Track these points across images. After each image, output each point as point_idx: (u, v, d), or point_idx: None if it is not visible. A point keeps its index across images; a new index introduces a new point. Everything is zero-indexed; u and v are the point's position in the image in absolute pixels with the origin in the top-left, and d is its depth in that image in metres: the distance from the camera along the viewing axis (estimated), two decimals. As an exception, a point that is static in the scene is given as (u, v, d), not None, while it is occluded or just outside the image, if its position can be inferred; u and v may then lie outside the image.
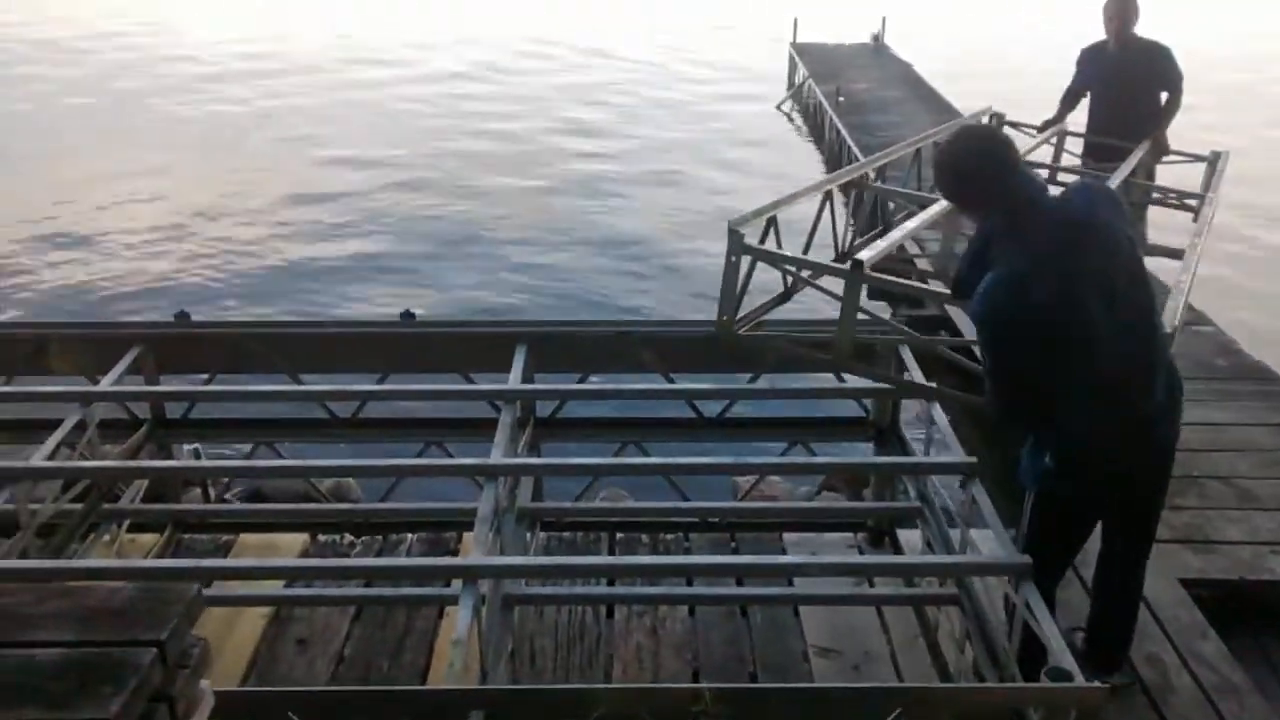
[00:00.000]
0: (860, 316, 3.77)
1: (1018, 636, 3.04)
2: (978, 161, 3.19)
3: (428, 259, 11.98)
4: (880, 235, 4.89)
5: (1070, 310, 3.07)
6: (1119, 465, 3.36)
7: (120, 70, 23.37)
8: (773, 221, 4.22)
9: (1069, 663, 2.72)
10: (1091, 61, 6.88)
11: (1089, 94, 6.92)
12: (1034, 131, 6.76)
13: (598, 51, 25.49)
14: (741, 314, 3.94)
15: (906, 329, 4.25)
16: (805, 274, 4.08)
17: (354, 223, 13.22)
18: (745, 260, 3.82)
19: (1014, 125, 6.84)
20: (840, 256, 4.97)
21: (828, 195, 4.88)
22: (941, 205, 4.71)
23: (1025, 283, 3.06)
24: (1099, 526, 3.63)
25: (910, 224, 4.35)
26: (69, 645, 1.67)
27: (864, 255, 3.62)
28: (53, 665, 1.63)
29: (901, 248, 5.90)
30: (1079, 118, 6.98)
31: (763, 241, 4.13)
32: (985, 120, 7.19)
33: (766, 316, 4.20)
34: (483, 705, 2.63)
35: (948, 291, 3.76)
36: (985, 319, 3.14)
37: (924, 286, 4.61)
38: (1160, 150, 6.59)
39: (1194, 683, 3.91)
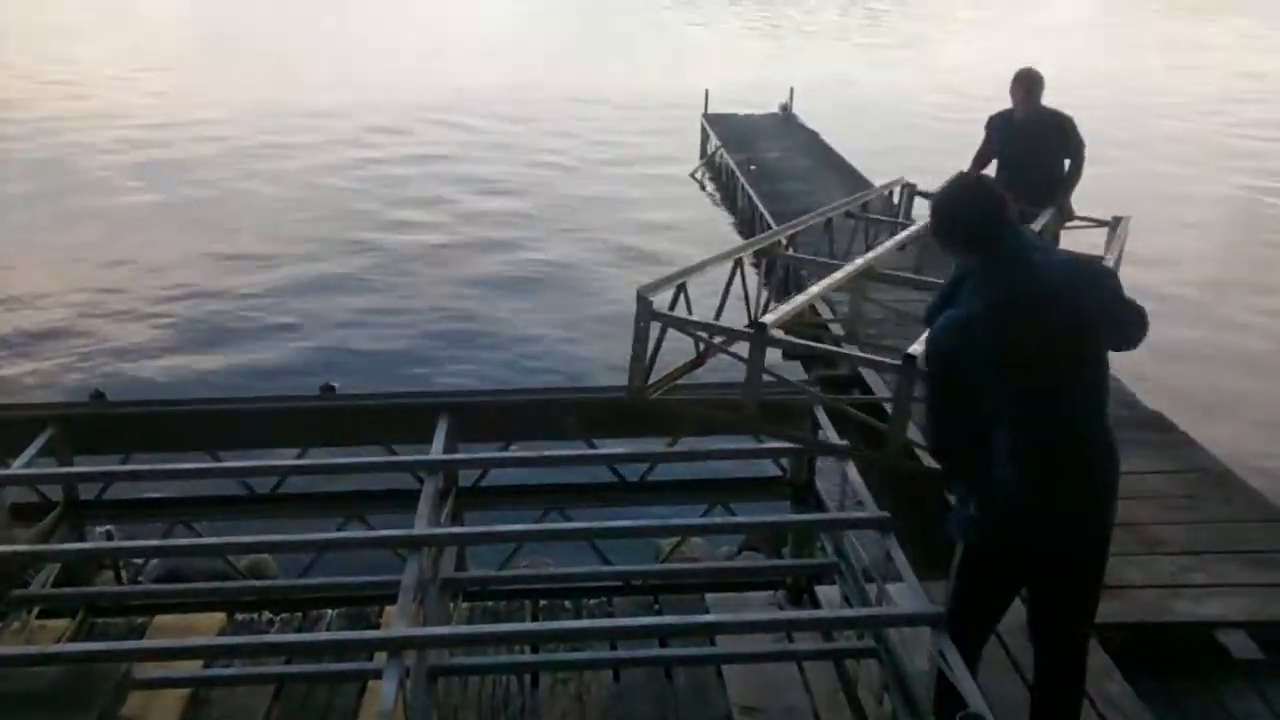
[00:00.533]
0: (769, 379, 3.87)
1: (932, 686, 3.13)
2: (970, 212, 3.31)
3: (344, 330, 11.91)
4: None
5: (1005, 361, 3.17)
6: (1050, 540, 3.36)
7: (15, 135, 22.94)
8: (682, 288, 4.30)
9: (983, 708, 2.81)
10: (999, 129, 7.18)
11: (995, 160, 7.21)
12: None
13: (507, 118, 25.73)
14: (656, 379, 4.02)
15: (816, 391, 4.37)
16: (716, 339, 4.17)
17: (267, 296, 13.09)
18: (656, 326, 3.91)
19: (924, 195, 7.07)
20: (752, 322, 5.08)
21: (738, 263, 4.99)
22: (848, 270, 4.87)
23: (970, 328, 3.19)
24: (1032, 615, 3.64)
25: (815, 288, 4.47)
26: (-7, 730, 1.67)
27: (768, 318, 3.72)
28: (-21, 752, 1.63)
29: (814, 311, 6.08)
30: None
31: (673, 307, 4.22)
32: (898, 190, 7.47)
33: (681, 381, 4.29)
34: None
35: (858, 353, 3.89)
36: (930, 352, 3.30)
37: (828, 347, 4.74)
38: (1065, 216, 6.87)
39: (1102, 722, 4.04)
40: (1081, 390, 3.29)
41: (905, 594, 3.65)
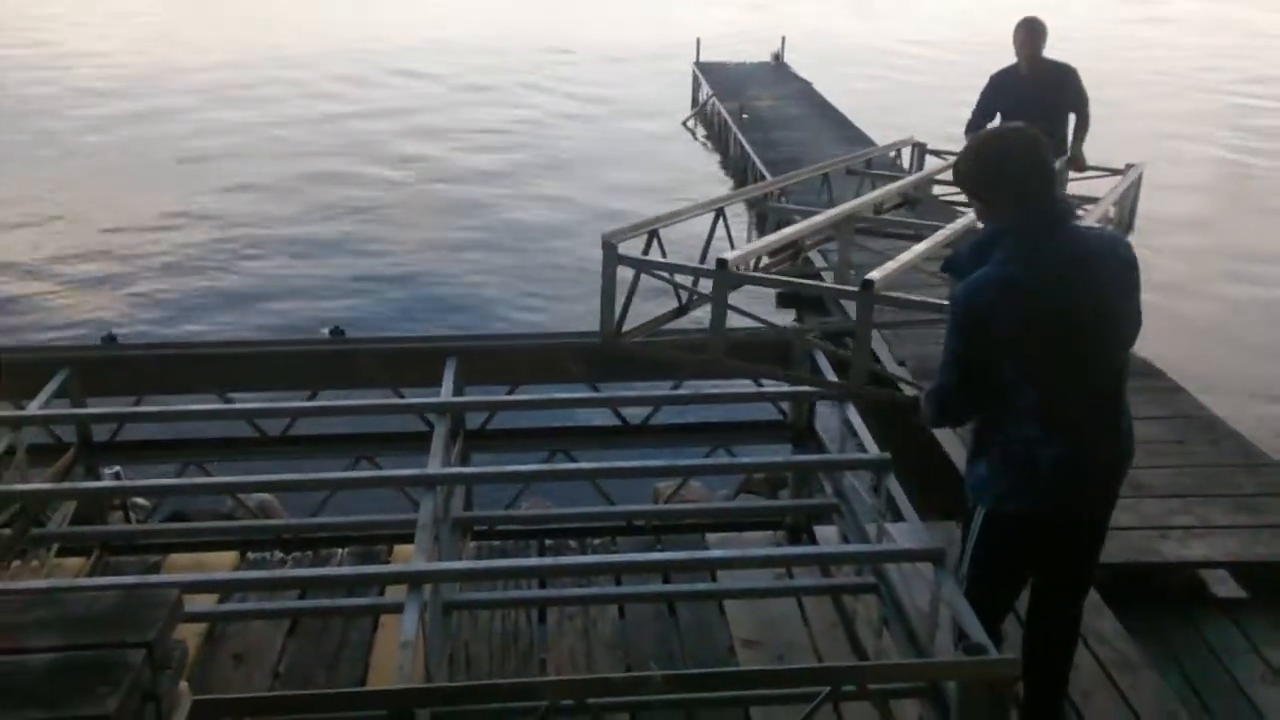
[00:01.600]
0: (747, 322, 3.93)
1: (935, 619, 3.24)
2: (1018, 164, 3.21)
3: (352, 276, 11.99)
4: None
5: (1044, 328, 3.10)
6: (1048, 503, 3.33)
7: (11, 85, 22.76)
8: (655, 235, 4.30)
9: (983, 638, 2.93)
10: (1003, 85, 7.00)
11: (1000, 116, 6.94)
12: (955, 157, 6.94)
13: (500, 69, 25.56)
14: (637, 325, 4.07)
15: (789, 326, 4.41)
16: (678, 278, 4.17)
17: (276, 242, 13.17)
18: (631, 273, 3.92)
19: (935, 153, 7.04)
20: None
21: (719, 212, 4.90)
22: (831, 214, 4.86)
23: (1015, 286, 3.08)
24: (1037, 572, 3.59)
25: (788, 230, 4.51)
26: (60, 649, 1.75)
27: (730, 255, 3.71)
28: (46, 668, 1.70)
29: (808, 260, 6.15)
30: None
31: (645, 254, 4.22)
32: (908, 151, 7.27)
33: (668, 326, 4.34)
34: (436, 702, 2.75)
35: (835, 286, 3.85)
36: (958, 309, 3.16)
37: (793, 279, 4.71)
38: (1079, 166, 6.82)
39: (1093, 659, 4.18)
40: (1114, 360, 3.31)
41: (905, 532, 3.75)
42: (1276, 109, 22.65)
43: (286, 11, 34.30)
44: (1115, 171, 6.52)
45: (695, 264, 4.23)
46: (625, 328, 4.12)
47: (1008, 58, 7.01)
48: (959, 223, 4.59)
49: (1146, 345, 7.73)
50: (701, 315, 4.24)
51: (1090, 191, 6.38)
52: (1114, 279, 3.24)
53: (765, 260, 4.80)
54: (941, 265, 3.54)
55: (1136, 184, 6.18)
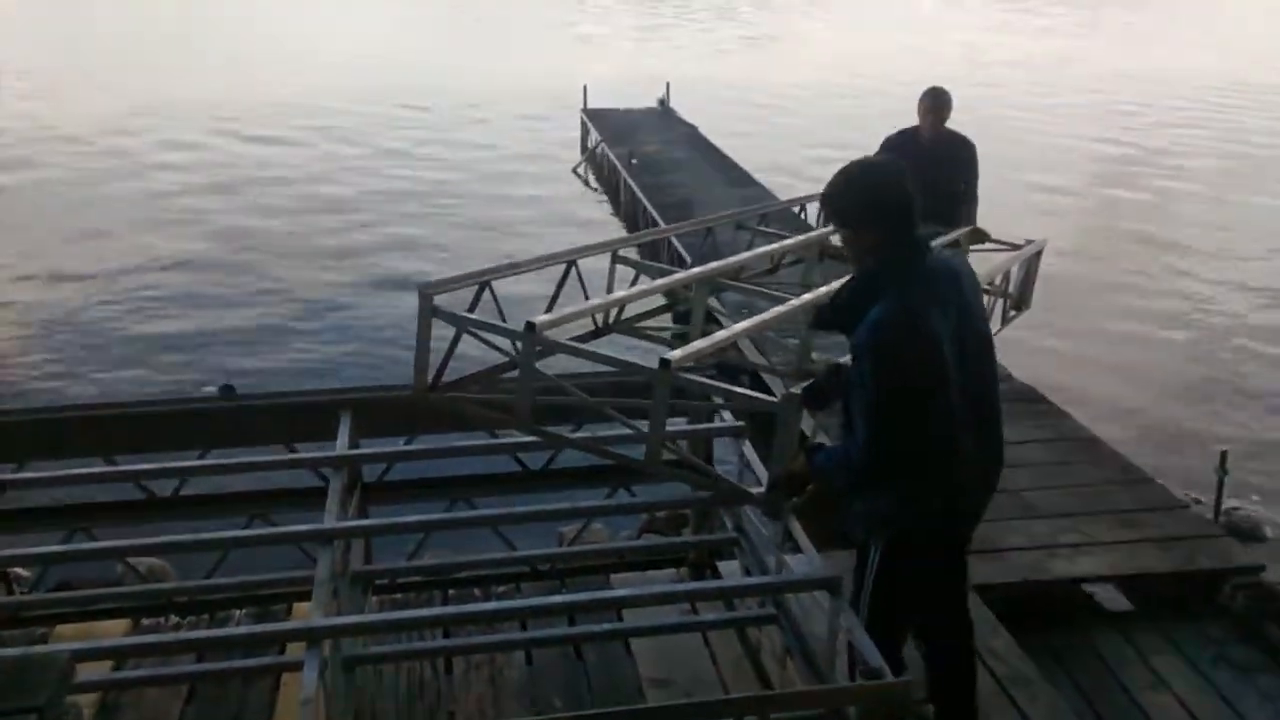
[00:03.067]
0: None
1: (834, 646, 3.30)
2: (896, 193, 3.26)
3: (238, 333, 11.76)
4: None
5: (946, 351, 3.17)
6: (954, 506, 3.45)
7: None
8: (486, 286, 4.07)
9: (879, 662, 3.00)
10: (901, 148, 6.91)
11: None
12: None
13: (384, 118, 25.46)
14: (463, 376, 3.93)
15: (586, 397, 3.90)
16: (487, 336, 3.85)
17: (161, 300, 12.87)
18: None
19: None
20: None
21: (570, 264, 4.54)
22: (680, 276, 4.61)
23: (920, 315, 3.12)
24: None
25: (611, 296, 4.32)
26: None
27: (541, 319, 3.53)
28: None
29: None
30: None
31: (473, 307, 3.99)
32: (815, 207, 7.08)
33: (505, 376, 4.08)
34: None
35: (637, 363, 3.52)
36: (876, 346, 3.12)
37: (591, 349, 3.86)
38: (980, 239, 6.45)
39: (990, 676, 4.30)
40: (992, 370, 3.45)
41: (803, 563, 3.83)
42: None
43: (151, 65, 33.63)
44: (1015, 246, 6.25)
45: (512, 324, 3.75)
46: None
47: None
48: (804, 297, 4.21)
49: (1029, 372, 8.06)
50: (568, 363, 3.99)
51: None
52: (975, 293, 3.42)
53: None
54: (812, 321, 3.58)
55: (1036, 259, 6.03)
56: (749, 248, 5.47)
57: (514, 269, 4.21)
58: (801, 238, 5.49)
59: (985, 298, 5.38)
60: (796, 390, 3.17)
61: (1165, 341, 11.80)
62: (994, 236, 6.31)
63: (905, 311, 3.13)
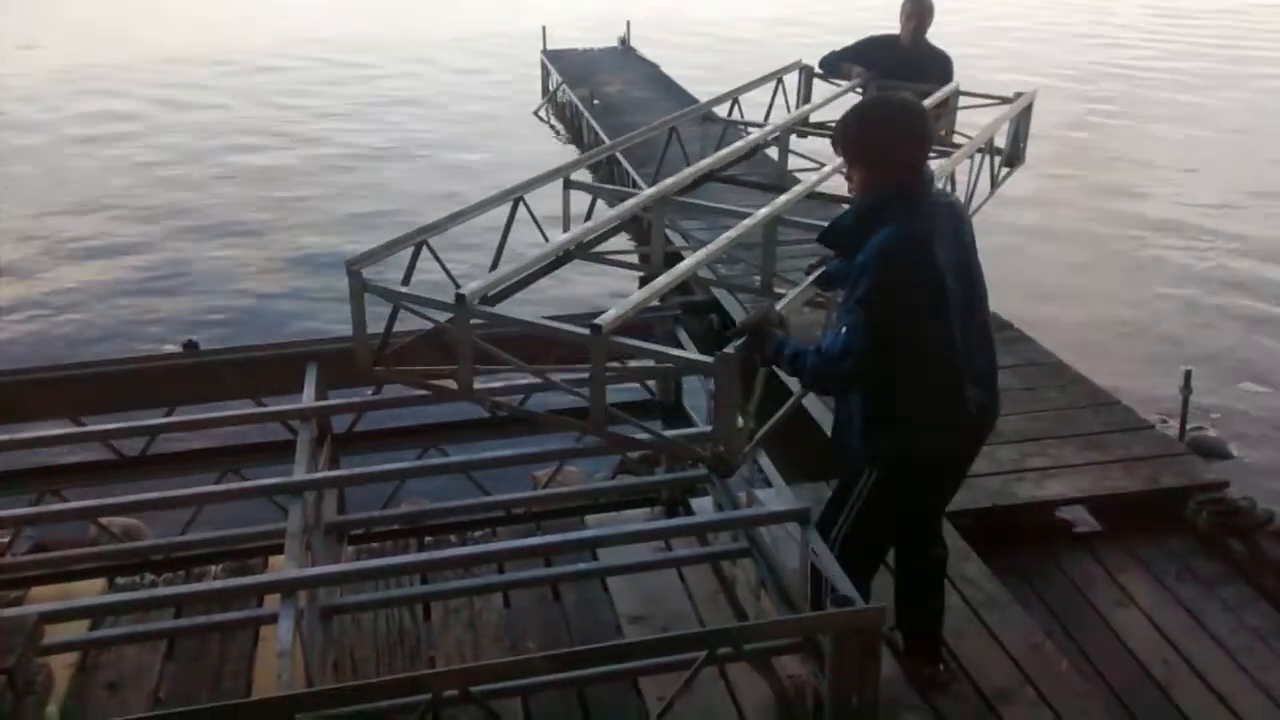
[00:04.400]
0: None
1: (806, 576, 3.35)
2: (914, 131, 3.31)
3: (202, 289, 11.64)
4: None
5: (950, 281, 3.23)
6: (957, 451, 3.57)
7: None
8: (421, 247, 3.92)
9: (850, 590, 3.05)
10: (883, 45, 6.87)
11: (871, 82, 6.74)
12: (840, 84, 6.75)
13: (345, 63, 25.07)
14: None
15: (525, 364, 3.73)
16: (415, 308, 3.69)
17: (119, 258, 12.68)
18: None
19: (823, 77, 6.91)
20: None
21: (517, 203, 4.43)
22: (643, 196, 4.47)
23: (928, 244, 3.19)
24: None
25: (560, 240, 4.15)
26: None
27: (469, 289, 3.40)
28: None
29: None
30: None
31: (409, 272, 3.89)
32: (794, 78, 6.92)
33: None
34: (317, 706, 2.71)
35: (568, 327, 3.37)
36: (883, 264, 3.15)
37: (530, 319, 3.56)
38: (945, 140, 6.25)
39: (962, 600, 4.38)
40: (987, 305, 3.52)
41: (773, 497, 3.88)
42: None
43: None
44: (1004, 100, 6.17)
45: (462, 278, 3.66)
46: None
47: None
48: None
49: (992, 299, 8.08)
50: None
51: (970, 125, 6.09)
52: (971, 233, 3.47)
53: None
54: (820, 236, 3.56)
55: (1026, 113, 5.97)
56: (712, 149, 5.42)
57: (454, 219, 4.08)
58: (759, 132, 5.56)
59: (976, 156, 5.51)
60: (730, 350, 3.09)
61: (1127, 265, 11.87)
62: (976, 91, 6.31)
63: (913, 236, 3.19)
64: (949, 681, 3.94)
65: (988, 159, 5.83)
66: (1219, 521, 5.18)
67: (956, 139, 6.00)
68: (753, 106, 6.70)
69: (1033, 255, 11.66)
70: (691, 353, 3.84)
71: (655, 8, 29.95)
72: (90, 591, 4.54)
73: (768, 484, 3.95)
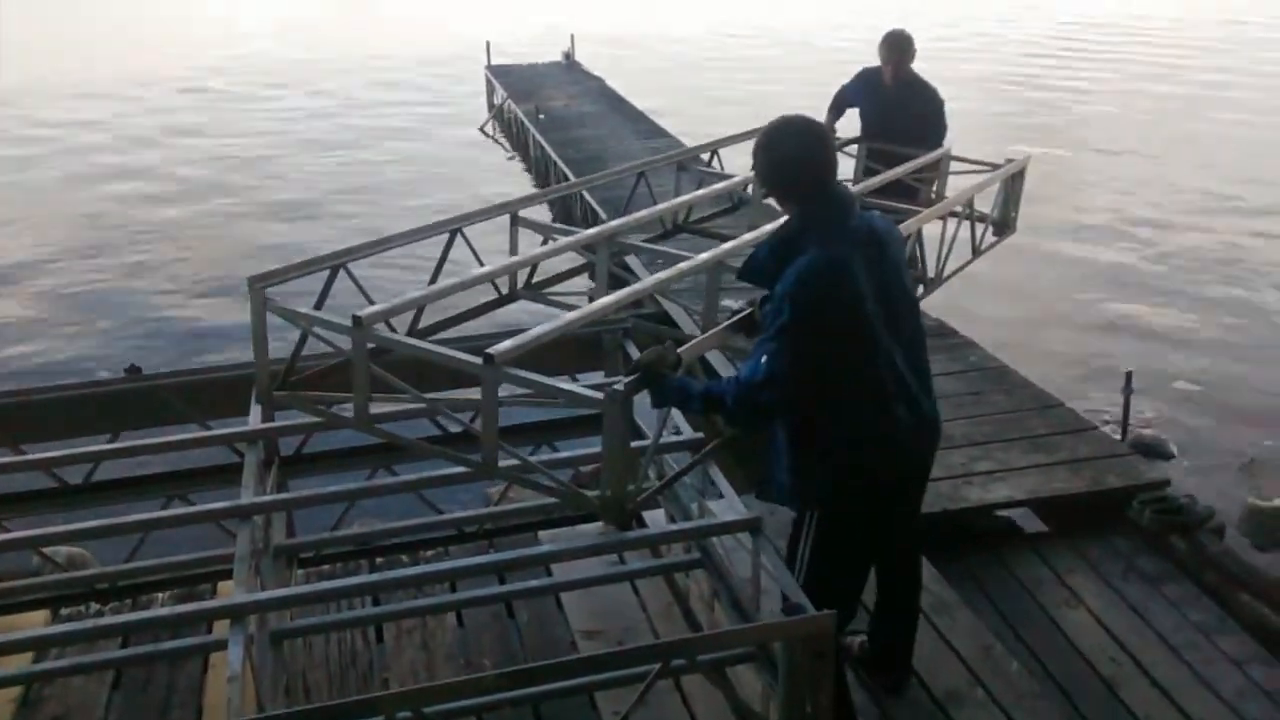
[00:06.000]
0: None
1: (759, 585, 3.36)
2: (815, 152, 3.28)
3: (140, 313, 11.49)
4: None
5: (870, 305, 3.20)
6: (895, 473, 3.50)
7: None
8: (340, 269, 3.88)
9: (801, 598, 3.06)
10: (865, 88, 6.88)
11: (861, 118, 6.85)
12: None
13: (284, 85, 24.91)
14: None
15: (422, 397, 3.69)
16: (316, 329, 3.67)
17: (56, 284, 12.49)
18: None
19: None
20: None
21: (454, 234, 4.41)
22: (592, 233, 4.47)
23: (846, 268, 3.15)
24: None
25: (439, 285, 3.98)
26: None
27: (366, 312, 3.37)
28: None
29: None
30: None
31: (323, 296, 3.85)
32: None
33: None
34: (267, 733, 2.69)
35: (462, 356, 3.27)
36: (799, 295, 3.11)
37: (427, 345, 3.53)
38: (926, 200, 5.90)
39: (910, 603, 4.41)
40: (918, 325, 3.48)
41: (725, 507, 3.89)
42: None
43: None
44: (992, 166, 5.84)
45: (340, 317, 3.49)
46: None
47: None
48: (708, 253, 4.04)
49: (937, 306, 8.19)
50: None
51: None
52: (899, 254, 3.45)
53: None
54: (739, 273, 3.53)
55: (1018, 179, 5.78)
56: (684, 191, 5.37)
57: (378, 245, 4.02)
58: (728, 182, 5.35)
59: (962, 223, 5.43)
60: (620, 386, 3.02)
61: (1068, 268, 12.07)
62: (969, 158, 6.04)
63: (828, 263, 3.15)
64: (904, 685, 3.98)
65: (967, 224, 5.61)
66: (1161, 520, 5.27)
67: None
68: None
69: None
70: (580, 388, 3.64)
71: (599, 24, 30.09)
72: (34, 623, 4.44)
73: (719, 495, 3.96)
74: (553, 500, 5.69)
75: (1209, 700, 4.23)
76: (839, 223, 3.26)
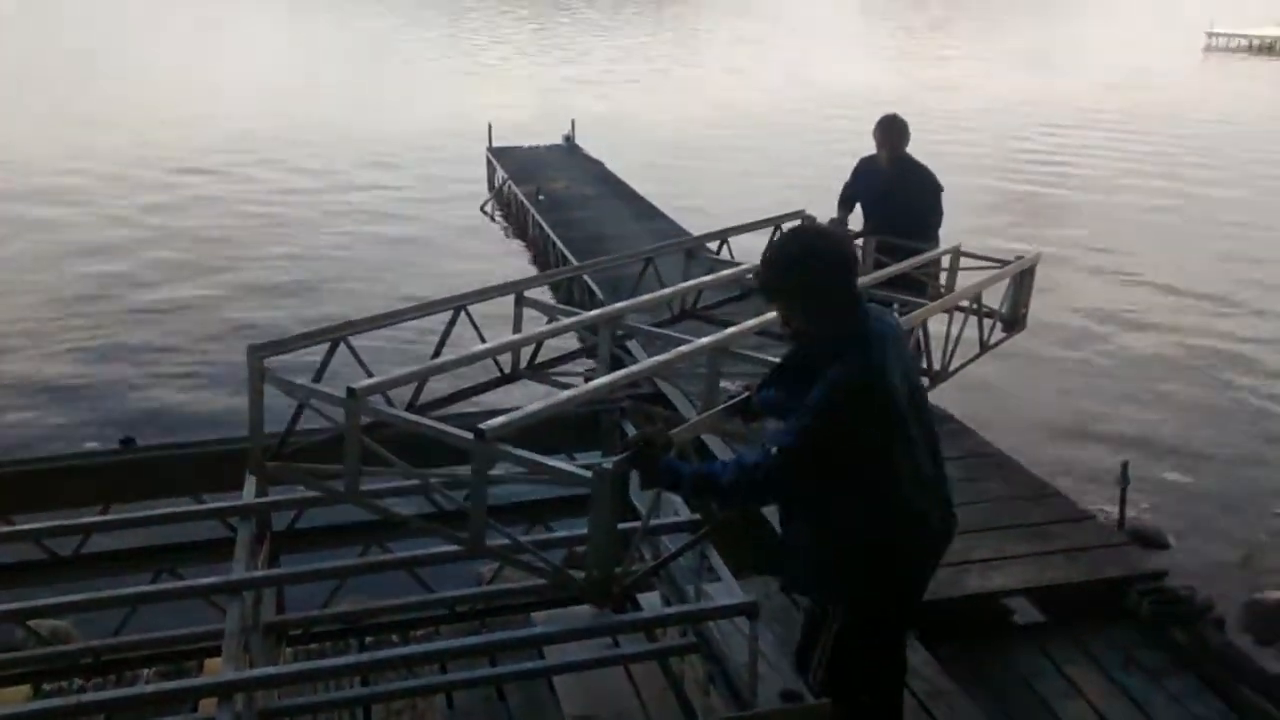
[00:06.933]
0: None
1: (755, 671, 3.31)
2: (848, 269, 3.20)
3: (135, 382, 11.46)
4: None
5: (901, 416, 3.20)
6: (925, 555, 3.49)
7: None
8: (340, 343, 3.90)
9: (797, 685, 3.03)
10: (864, 174, 7.00)
11: (860, 205, 6.97)
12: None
13: (284, 162, 25.17)
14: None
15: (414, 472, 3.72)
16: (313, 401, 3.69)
17: (49, 350, 12.48)
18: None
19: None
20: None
21: (458, 311, 4.46)
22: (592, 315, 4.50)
23: (884, 375, 3.13)
24: None
25: (436, 360, 4.10)
26: None
27: (360, 385, 3.44)
28: None
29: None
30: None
31: (322, 368, 3.90)
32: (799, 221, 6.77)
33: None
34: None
35: (454, 430, 3.30)
36: (831, 413, 3.07)
37: (428, 422, 3.58)
38: (932, 294, 5.94)
39: (910, 692, 4.34)
40: (930, 431, 3.43)
41: (722, 591, 3.85)
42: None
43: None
44: (1002, 262, 5.85)
45: (336, 390, 3.52)
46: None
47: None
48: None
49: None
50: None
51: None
52: (908, 349, 3.51)
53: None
54: (749, 399, 3.55)
55: (1028, 276, 5.75)
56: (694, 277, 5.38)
57: (382, 319, 4.05)
58: (735, 270, 5.40)
59: (970, 318, 5.47)
60: (608, 465, 3.02)
61: (1057, 354, 12.11)
62: (979, 253, 6.07)
63: (867, 370, 3.11)
64: None
65: (975, 319, 5.62)
66: (1161, 611, 5.22)
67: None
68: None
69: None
70: (570, 465, 3.51)
71: (600, 108, 30.57)
72: (14, 699, 4.36)
73: (716, 578, 3.92)
74: (542, 581, 5.68)
75: (1211, 797, 4.16)
76: (864, 335, 3.19)
